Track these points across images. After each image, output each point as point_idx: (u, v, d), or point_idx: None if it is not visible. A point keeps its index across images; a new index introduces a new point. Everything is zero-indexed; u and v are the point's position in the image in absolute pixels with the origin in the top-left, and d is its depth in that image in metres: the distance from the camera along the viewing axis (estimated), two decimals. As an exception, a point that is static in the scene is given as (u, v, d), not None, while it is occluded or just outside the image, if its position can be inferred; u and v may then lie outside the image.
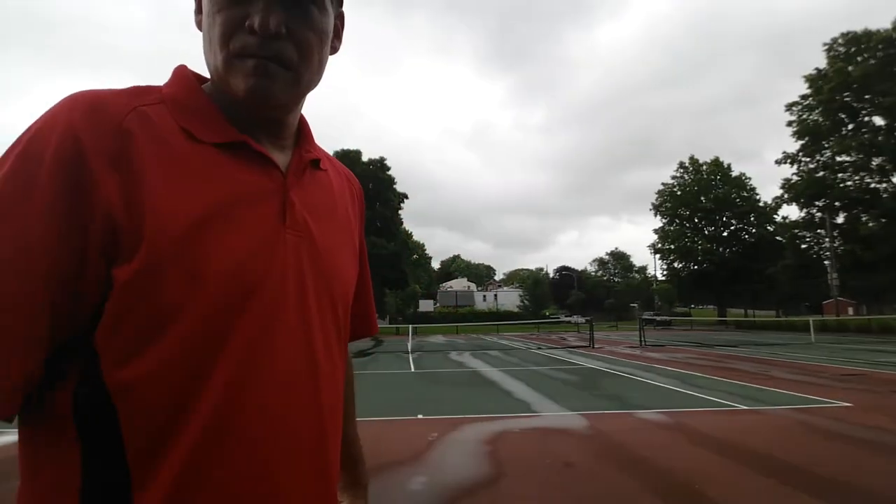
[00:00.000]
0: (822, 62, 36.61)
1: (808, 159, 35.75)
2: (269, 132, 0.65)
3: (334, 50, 0.68)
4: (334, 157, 0.80)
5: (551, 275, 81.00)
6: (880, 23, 32.50)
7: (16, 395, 0.50)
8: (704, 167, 49.13)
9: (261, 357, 0.56)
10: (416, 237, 63.70)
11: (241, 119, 0.62)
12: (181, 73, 0.65)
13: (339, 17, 0.69)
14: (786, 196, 36.92)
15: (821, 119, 34.48)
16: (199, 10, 0.64)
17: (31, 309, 0.50)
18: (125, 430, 0.51)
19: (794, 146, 36.61)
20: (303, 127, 0.71)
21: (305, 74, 0.62)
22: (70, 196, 0.51)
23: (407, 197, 43.53)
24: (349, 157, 40.71)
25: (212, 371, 0.53)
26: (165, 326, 0.52)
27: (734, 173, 48.25)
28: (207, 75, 0.66)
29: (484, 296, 78.66)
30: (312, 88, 0.66)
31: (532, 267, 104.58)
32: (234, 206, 0.57)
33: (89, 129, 0.53)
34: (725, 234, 48.19)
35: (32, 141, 0.52)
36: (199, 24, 0.64)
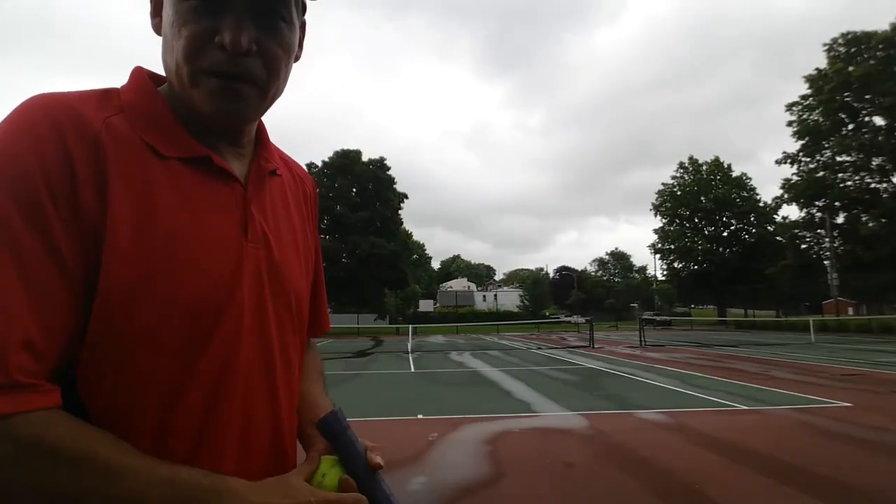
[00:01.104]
0: (815, 65, 36.63)
1: (808, 159, 35.71)
2: (229, 141, 0.66)
3: (296, 59, 0.68)
4: (288, 157, 0.81)
5: (551, 275, 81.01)
6: (875, 26, 32.33)
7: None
8: (704, 167, 49.09)
9: (229, 365, 0.59)
10: (416, 237, 63.76)
11: (201, 128, 0.63)
12: (139, 76, 0.64)
13: (302, 27, 0.67)
14: (786, 196, 36.88)
15: (821, 119, 34.44)
16: (155, 14, 0.63)
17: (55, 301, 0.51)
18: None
19: (792, 146, 36.69)
20: (261, 133, 0.72)
21: (272, 89, 0.63)
22: (66, 216, 0.52)
23: (407, 197, 43.50)
24: (349, 157, 40.71)
25: (183, 385, 0.56)
26: (139, 349, 0.54)
27: (734, 173, 48.24)
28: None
29: (484, 296, 78.61)
30: (277, 99, 0.66)
31: (532, 267, 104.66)
32: (200, 224, 0.59)
33: (79, 147, 0.53)
34: (725, 234, 48.12)
35: (10, 158, 0.52)
36: (156, 28, 0.63)
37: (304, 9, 0.67)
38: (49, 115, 0.54)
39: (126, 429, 0.54)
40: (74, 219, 0.52)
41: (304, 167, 0.85)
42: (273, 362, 0.65)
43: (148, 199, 0.56)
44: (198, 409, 0.57)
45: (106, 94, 0.60)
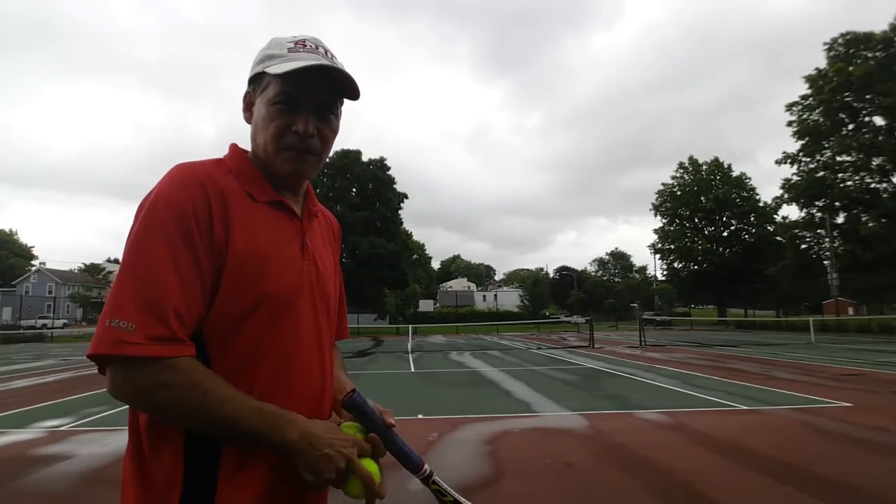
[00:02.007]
0: (811, 67, 36.50)
1: (808, 159, 35.65)
2: (292, 191, 0.99)
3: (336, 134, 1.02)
4: (322, 206, 1.13)
5: (551, 275, 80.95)
6: (871, 28, 32.06)
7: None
8: (704, 167, 49.04)
9: (296, 342, 0.90)
10: (416, 237, 63.65)
11: (277, 181, 0.96)
12: (237, 151, 0.98)
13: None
14: (786, 196, 36.83)
15: (821, 119, 34.40)
16: (247, 109, 0.99)
17: (193, 291, 0.82)
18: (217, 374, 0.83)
19: (791, 147, 36.58)
20: (308, 188, 1.04)
21: (324, 157, 0.98)
22: (205, 241, 0.83)
23: (407, 197, 43.49)
24: (349, 157, 40.69)
25: (269, 351, 0.87)
26: (246, 321, 0.85)
27: (734, 173, 48.19)
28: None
29: (484, 296, 78.59)
30: (325, 162, 1.01)
31: (532, 267, 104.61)
32: (279, 246, 0.91)
33: (214, 196, 0.85)
34: (725, 234, 48.07)
35: (175, 203, 0.82)
36: (247, 120, 0.99)
37: (342, 103, 1.01)
38: (195, 176, 0.86)
39: (235, 373, 0.83)
40: (210, 240, 0.83)
41: None
42: (322, 345, 0.96)
43: (250, 228, 0.87)
44: (276, 367, 0.87)
45: (219, 161, 0.94)
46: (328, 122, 0.95)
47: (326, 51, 0.96)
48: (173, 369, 0.77)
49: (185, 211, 0.82)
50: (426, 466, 0.94)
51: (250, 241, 0.86)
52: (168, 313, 0.78)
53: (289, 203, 0.95)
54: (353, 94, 0.97)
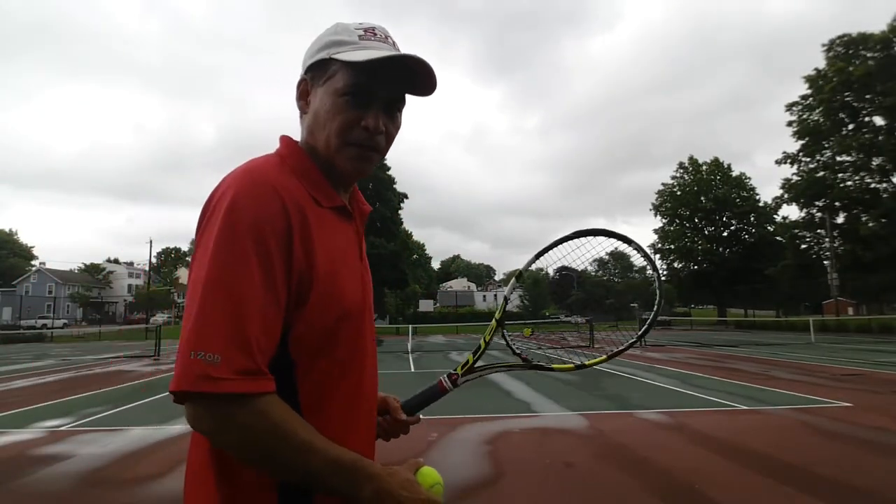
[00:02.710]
0: (808, 67, 36.53)
1: (808, 159, 35.64)
2: (345, 187, 0.93)
3: None
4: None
5: (551, 275, 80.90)
6: (867, 29, 32.04)
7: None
8: (704, 167, 49.03)
9: (364, 355, 0.89)
10: (416, 237, 63.59)
11: (333, 177, 0.89)
12: (293, 146, 0.91)
13: None
14: (786, 196, 36.81)
15: (821, 119, 34.38)
16: (301, 97, 0.91)
17: (273, 315, 0.75)
18: (302, 391, 0.79)
19: (789, 147, 36.56)
20: None
21: (385, 153, 0.91)
22: (284, 259, 0.76)
23: (407, 197, 43.48)
24: (349, 157, 40.63)
25: (350, 369, 0.85)
26: (334, 338, 0.82)
27: (734, 173, 48.18)
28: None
29: (484, 296, 78.58)
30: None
31: (532, 267, 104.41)
32: (346, 254, 0.87)
33: (292, 209, 0.78)
34: (725, 234, 48.04)
35: (253, 218, 0.75)
36: (302, 109, 0.91)
37: None
38: (268, 184, 0.78)
39: (317, 393, 0.80)
40: (289, 259, 0.76)
41: None
42: (375, 353, 0.96)
43: (326, 241, 0.82)
44: (354, 385, 0.86)
45: (281, 161, 0.86)
46: (395, 118, 0.90)
47: (394, 42, 0.90)
48: (254, 409, 0.71)
49: (264, 227, 0.75)
50: (443, 381, 1.14)
51: (329, 254, 0.82)
52: (252, 343, 0.71)
53: (349, 207, 0.91)
54: (429, 88, 0.89)
